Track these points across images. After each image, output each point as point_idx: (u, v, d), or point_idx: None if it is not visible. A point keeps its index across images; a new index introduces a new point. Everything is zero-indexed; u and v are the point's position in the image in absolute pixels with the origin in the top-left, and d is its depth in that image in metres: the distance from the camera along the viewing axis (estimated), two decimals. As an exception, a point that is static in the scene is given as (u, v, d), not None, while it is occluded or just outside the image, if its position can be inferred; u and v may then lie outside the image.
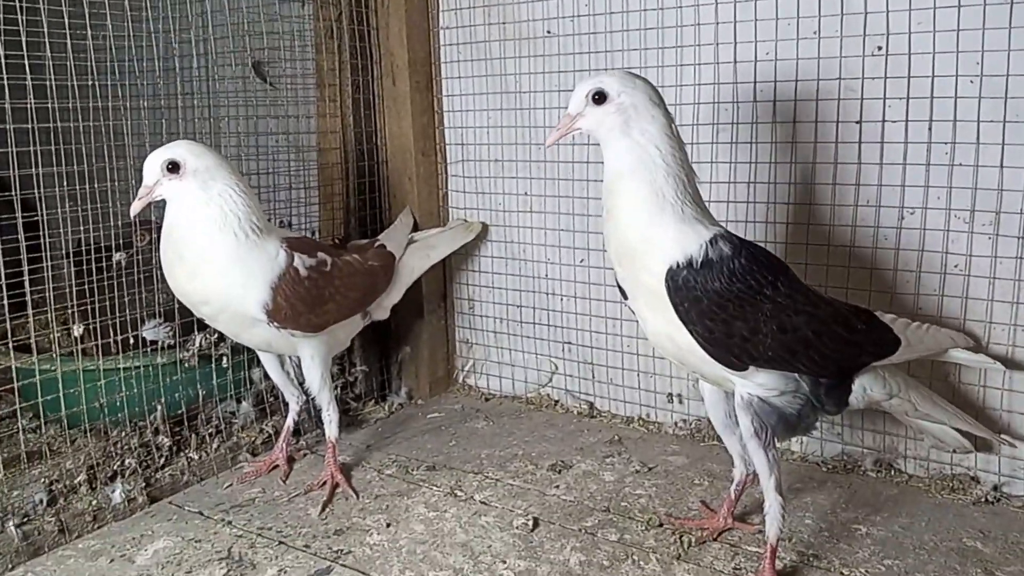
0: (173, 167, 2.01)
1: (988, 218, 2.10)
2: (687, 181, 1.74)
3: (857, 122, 2.22)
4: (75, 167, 2.21)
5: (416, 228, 2.80)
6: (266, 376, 2.53)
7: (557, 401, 2.89)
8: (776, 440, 1.82)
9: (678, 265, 1.69)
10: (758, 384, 1.77)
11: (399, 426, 2.77)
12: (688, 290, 1.69)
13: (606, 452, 2.50)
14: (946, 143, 2.11)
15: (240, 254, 2.06)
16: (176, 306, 2.35)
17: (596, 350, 2.77)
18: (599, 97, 1.74)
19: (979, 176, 2.09)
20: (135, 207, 2.03)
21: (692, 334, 1.72)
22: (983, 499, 2.14)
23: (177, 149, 2.03)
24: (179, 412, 2.46)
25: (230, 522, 2.13)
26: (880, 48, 2.16)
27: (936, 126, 2.12)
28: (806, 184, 2.31)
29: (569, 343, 2.83)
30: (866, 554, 1.92)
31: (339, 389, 2.83)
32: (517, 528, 2.07)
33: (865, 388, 1.87)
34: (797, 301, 1.75)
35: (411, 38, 2.80)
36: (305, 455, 2.53)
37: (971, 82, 2.06)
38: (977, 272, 2.13)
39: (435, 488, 2.29)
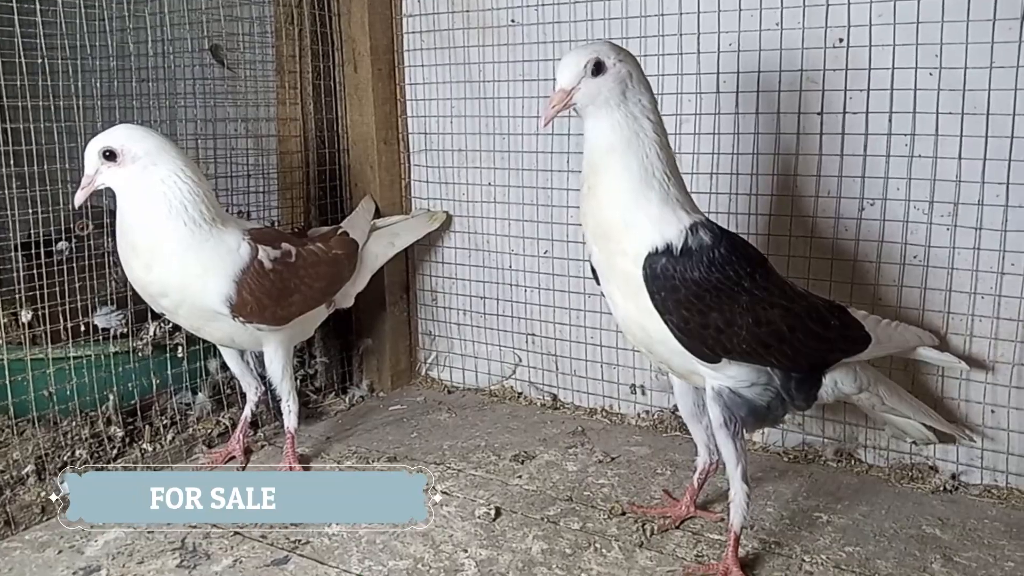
0: (110, 155, 1.92)
1: (947, 209, 2.12)
2: (673, 161, 1.71)
3: (818, 113, 2.23)
4: (23, 147, 2.14)
5: (378, 215, 2.76)
6: (223, 367, 2.48)
7: (521, 393, 2.87)
8: (744, 431, 1.81)
9: (657, 251, 1.65)
10: (729, 376, 1.76)
11: (360, 418, 2.73)
12: (666, 279, 1.65)
13: (569, 443, 2.48)
14: (906, 135, 2.13)
15: (193, 243, 1.99)
16: (129, 293, 2.30)
17: (560, 342, 2.76)
18: (597, 67, 1.65)
19: (938, 167, 2.11)
20: (78, 198, 1.96)
21: (667, 324, 1.68)
22: (941, 488, 2.16)
23: (113, 135, 1.95)
24: (132, 402, 2.39)
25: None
26: (841, 40, 2.18)
27: (896, 118, 2.14)
28: (768, 175, 2.32)
29: (533, 335, 2.82)
30: (827, 541, 1.93)
31: (299, 381, 2.79)
32: (479, 518, 2.04)
33: (836, 382, 1.87)
34: (773, 294, 1.73)
35: (373, 25, 2.76)
36: (263, 447, 2.48)
37: (930, 74, 2.08)
38: (936, 263, 2.15)
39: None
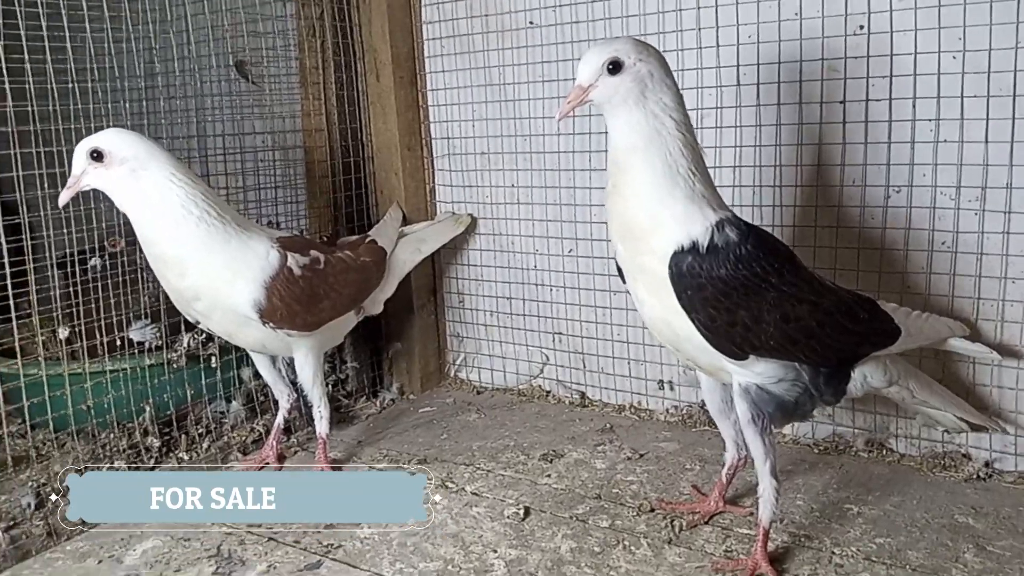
0: (97, 155, 1.94)
1: (974, 194, 2.08)
2: (700, 157, 1.70)
3: (841, 102, 2.21)
4: (56, 169, 2.20)
5: (405, 222, 2.79)
6: (256, 375, 2.52)
7: (549, 392, 2.88)
8: (773, 426, 1.80)
9: (683, 249, 1.64)
10: (757, 373, 1.74)
11: (390, 421, 2.76)
12: (692, 277, 1.63)
13: (597, 440, 2.49)
14: (930, 120, 2.10)
15: (216, 245, 2.02)
16: (163, 307, 2.35)
17: (586, 340, 2.76)
18: (614, 66, 1.64)
19: (964, 152, 2.07)
20: (63, 197, 1.98)
21: (693, 322, 1.67)
22: (975, 476, 2.13)
23: (103, 136, 1.97)
24: (168, 413, 2.45)
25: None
26: (862, 27, 2.15)
27: (920, 103, 2.11)
28: (792, 166, 2.30)
29: (559, 334, 2.82)
30: (858, 533, 1.91)
31: (331, 386, 2.82)
32: (508, 517, 2.05)
33: (865, 376, 1.85)
34: (802, 290, 1.71)
35: (394, 33, 2.79)
36: (296, 452, 2.52)
37: (954, 58, 2.05)
38: (964, 249, 2.12)
39: (426, 481, 2.28)
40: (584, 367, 2.79)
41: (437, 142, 2.92)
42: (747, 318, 1.65)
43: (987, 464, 2.14)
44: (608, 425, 2.59)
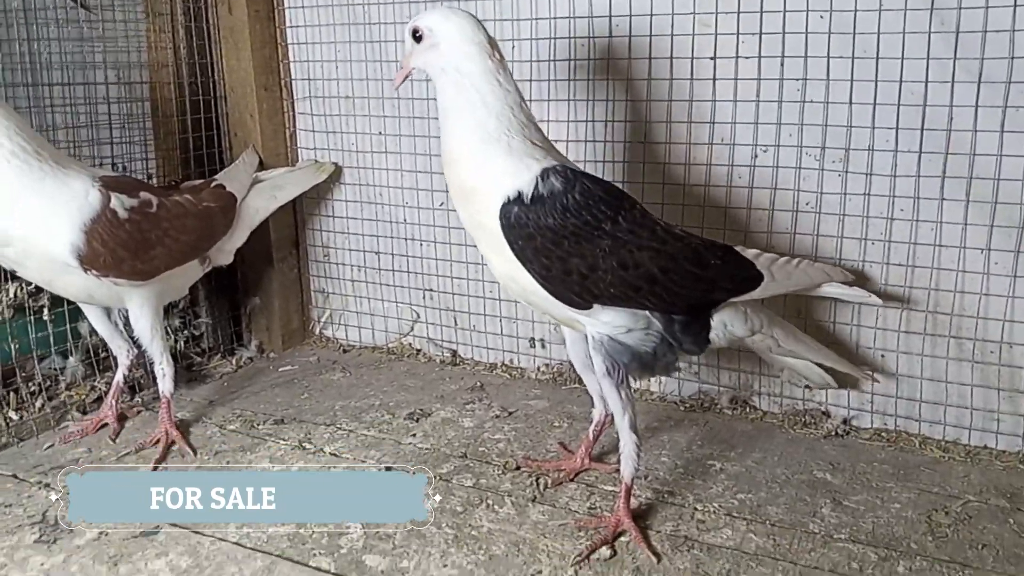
0: None
1: (838, 155, 2.11)
2: (515, 116, 1.69)
3: (711, 58, 2.19)
4: None
5: (262, 168, 2.61)
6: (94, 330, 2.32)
7: (419, 350, 2.79)
8: (630, 379, 1.78)
9: (509, 200, 1.64)
10: (604, 322, 1.72)
11: (247, 380, 2.61)
12: (520, 227, 1.64)
13: (467, 399, 2.43)
14: (798, 79, 2.11)
15: (29, 183, 1.84)
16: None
17: (458, 297, 2.69)
18: (416, 35, 1.72)
19: (829, 113, 2.09)
20: None
21: (530, 272, 1.67)
22: (833, 432, 2.18)
23: None
24: (-8, 369, 2.22)
25: (47, 484, 1.94)
26: (736, -18, 2.13)
27: (788, 62, 2.11)
28: (661, 123, 2.27)
29: (431, 290, 2.73)
30: (720, 489, 1.92)
31: (182, 343, 2.65)
32: (368, 479, 1.97)
33: (725, 324, 1.84)
34: (641, 236, 1.70)
35: (248, -39, 2.59)
36: (140, 412, 2.35)
37: (821, 17, 2.05)
38: (827, 209, 2.15)
39: (282, 442, 2.16)
40: (456, 324, 2.72)
41: (298, 83, 2.75)
42: (582, 266, 1.65)
43: (845, 421, 2.21)
44: (479, 383, 2.53)
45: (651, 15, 2.21)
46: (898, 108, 2.02)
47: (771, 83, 2.13)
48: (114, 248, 1.93)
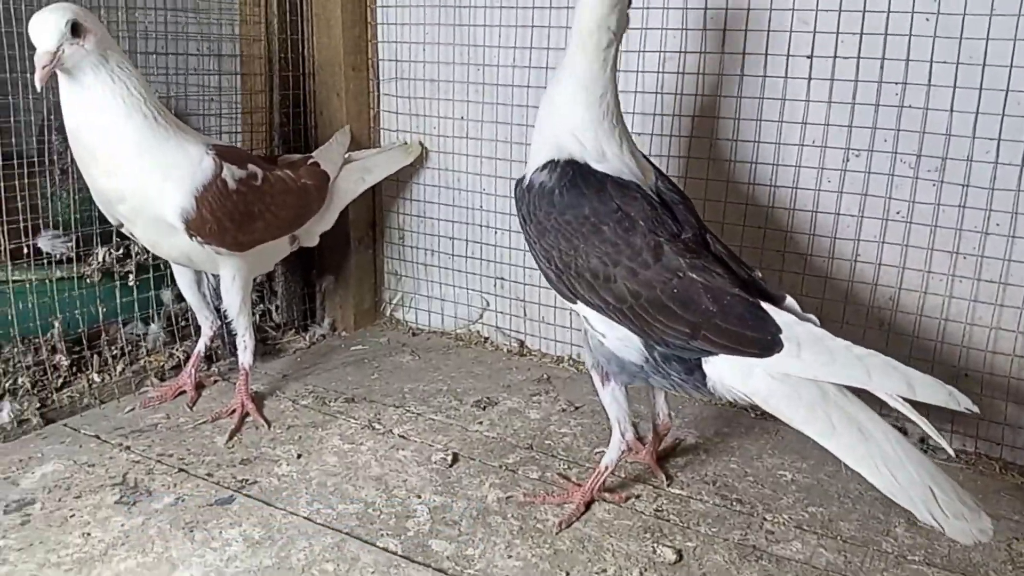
0: (76, 30, 1.71)
1: (934, 164, 2.03)
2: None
3: (808, 57, 2.13)
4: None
5: (353, 148, 2.63)
6: (179, 298, 2.38)
7: (487, 338, 2.79)
8: (614, 380, 1.75)
9: (520, 180, 1.77)
10: (583, 317, 1.72)
11: (319, 357, 2.64)
12: (519, 206, 1.79)
13: (533, 390, 2.42)
14: (897, 83, 2.04)
15: (155, 143, 1.85)
16: (76, 217, 2.17)
17: (528, 287, 2.67)
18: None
19: (928, 120, 2.02)
20: (39, 76, 1.69)
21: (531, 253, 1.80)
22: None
23: (74, 8, 1.73)
24: (78, 331, 2.29)
25: (128, 447, 1.99)
26: (837, -21, 2.06)
27: (888, 64, 2.04)
28: (751, 120, 2.22)
29: (501, 279, 2.73)
30: (790, 500, 1.88)
31: (258, 317, 2.69)
32: (435, 463, 1.98)
33: (723, 379, 1.60)
34: (620, 251, 1.59)
35: (343, -62, 2.60)
36: (216, 382, 2.39)
37: (927, 20, 1.98)
38: (919, 220, 2.08)
39: (352, 420, 2.18)
40: (525, 315, 2.71)
41: (384, 64, 2.75)
42: (558, 260, 1.68)
43: (922, 440, 2.13)
44: (545, 375, 2.52)
45: (748, 9, 2.16)
46: (1002, 118, 1.93)
47: (869, 85, 2.06)
48: (220, 217, 1.95)
